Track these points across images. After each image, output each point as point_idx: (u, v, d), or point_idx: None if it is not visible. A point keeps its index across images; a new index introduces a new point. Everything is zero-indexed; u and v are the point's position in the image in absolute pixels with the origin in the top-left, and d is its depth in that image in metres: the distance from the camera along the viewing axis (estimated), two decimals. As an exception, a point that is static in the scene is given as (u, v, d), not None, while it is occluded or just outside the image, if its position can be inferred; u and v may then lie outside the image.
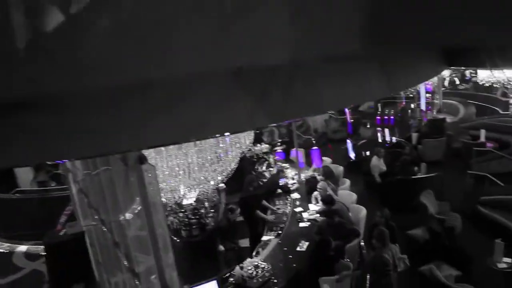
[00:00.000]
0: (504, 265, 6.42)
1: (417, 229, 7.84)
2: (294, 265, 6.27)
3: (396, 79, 3.56)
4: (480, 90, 16.77)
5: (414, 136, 12.85)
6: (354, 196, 8.30)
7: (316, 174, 9.55)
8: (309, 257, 6.40)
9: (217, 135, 2.89)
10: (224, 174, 7.40)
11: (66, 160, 3.87)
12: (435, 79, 14.62)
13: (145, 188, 2.74)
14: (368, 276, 6.10)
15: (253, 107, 2.24)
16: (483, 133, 11.85)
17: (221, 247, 6.88)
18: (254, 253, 6.79)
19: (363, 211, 7.56)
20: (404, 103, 17.53)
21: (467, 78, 21.03)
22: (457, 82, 20.64)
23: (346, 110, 16.51)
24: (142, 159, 2.68)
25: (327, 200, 7.41)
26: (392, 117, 15.52)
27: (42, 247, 4.74)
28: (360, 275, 5.76)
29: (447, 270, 6.37)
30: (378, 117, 15.74)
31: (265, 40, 2.16)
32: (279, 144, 12.93)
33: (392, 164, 10.52)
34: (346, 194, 8.30)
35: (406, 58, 3.71)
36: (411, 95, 17.32)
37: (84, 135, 1.81)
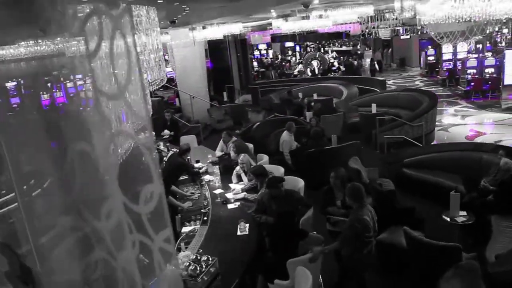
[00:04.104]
0: (463, 218, 5.80)
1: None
2: (243, 253, 4.63)
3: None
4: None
5: (308, 114, 12.30)
6: (281, 169, 7.00)
7: (225, 152, 8.05)
8: (261, 239, 4.85)
9: None
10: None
11: None
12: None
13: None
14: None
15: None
16: (374, 106, 11.89)
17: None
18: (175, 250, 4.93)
19: (301, 183, 6.30)
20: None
21: (334, 68, 22.02)
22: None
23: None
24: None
25: (259, 172, 5.97)
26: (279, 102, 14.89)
27: None
28: (338, 248, 4.39)
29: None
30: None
31: None
32: (166, 131, 11.08)
33: (299, 140, 9.63)
34: (273, 168, 6.91)
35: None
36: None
37: None
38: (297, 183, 6.27)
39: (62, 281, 1.71)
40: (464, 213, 5.91)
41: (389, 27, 17.25)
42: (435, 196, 7.08)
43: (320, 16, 9.43)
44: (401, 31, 19.72)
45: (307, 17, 9.08)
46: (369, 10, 9.01)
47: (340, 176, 5.22)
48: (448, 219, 5.84)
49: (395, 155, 8.71)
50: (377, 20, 12.57)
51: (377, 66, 21.83)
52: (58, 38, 1.43)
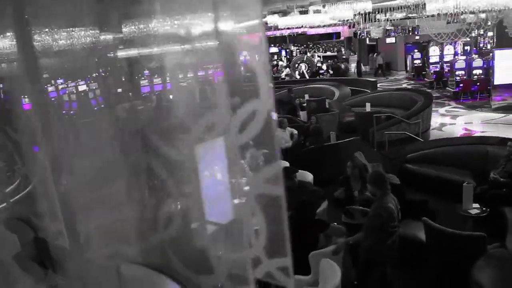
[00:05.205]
0: (476, 210, 5.66)
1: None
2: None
3: None
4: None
5: (303, 114, 12.18)
6: (286, 164, 6.75)
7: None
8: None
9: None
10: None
11: None
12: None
13: None
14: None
15: None
16: (368, 105, 11.82)
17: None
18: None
19: (309, 176, 6.07)
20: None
21: (322, 71, 22.02)
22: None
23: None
24: None
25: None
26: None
27: None
28: (362, 239, 4.15)
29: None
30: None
31: None
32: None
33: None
34: (277, 163, 6.68)
35: None
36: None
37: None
38: (306, 176, 6.04)
39: (102, 255, 1.41)
40: (477, 205, 5.79)
41: (380, 27, 17.32)
42: (439, 191, 6.94)
43: (318, 11, 9.29)
44: (392, 33, 19.87)
45: (306, 12, 8.92)
46: (368, 6, 8.91)
47: (357, 165, 5.01)
48: (462, 212, 5.70)
49: (396, 151, 8.59)
50: (370, 20, 12.57)
51: (363, 68, 22.09)
52: None
